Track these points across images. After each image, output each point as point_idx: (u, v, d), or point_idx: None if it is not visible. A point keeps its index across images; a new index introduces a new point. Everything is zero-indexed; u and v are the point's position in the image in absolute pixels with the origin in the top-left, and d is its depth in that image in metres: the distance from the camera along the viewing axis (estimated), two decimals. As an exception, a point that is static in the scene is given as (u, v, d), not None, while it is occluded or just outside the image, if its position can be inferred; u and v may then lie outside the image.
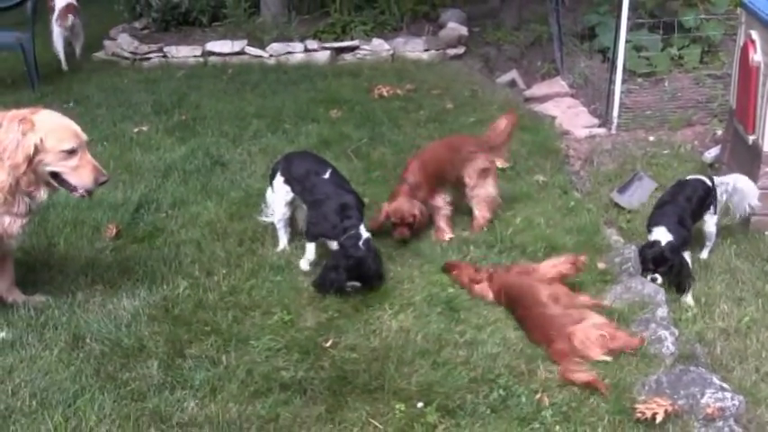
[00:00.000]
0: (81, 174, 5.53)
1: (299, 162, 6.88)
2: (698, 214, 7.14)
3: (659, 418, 4.85)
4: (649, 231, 6.90)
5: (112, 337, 5.56)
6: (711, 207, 7.19)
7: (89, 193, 5.67)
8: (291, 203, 6.85)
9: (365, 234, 6.31)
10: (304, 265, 6.57)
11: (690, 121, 10.38)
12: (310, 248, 6.58)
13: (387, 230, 7.04)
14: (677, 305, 6.49)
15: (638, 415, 4.90)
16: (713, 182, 7.27)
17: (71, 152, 5.45)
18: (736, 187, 7.33)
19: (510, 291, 6.07)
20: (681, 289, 6.60)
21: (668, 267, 6.60)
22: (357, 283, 6.17)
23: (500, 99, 10.95)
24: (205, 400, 5.03)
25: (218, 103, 10.69)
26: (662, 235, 6.73)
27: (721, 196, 7.28)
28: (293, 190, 6.75)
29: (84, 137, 5.56)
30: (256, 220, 7.17)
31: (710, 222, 7.23)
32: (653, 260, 6.64)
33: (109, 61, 13.36)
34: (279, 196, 6.83)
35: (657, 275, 6.60)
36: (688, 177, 7.40)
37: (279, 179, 6.82)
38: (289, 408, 4.98)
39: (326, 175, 6.62)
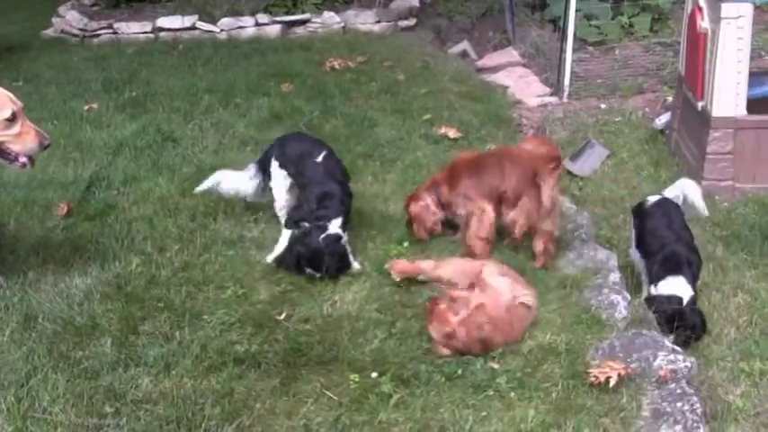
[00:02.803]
0: (25, 140, 5.39)
1: (293, 144, 6.72)
2: None
3: (613, 382, 4.88)
4: (658, 278, 6.10)
5: (65, 316, 5.50)
6: None
7: (32, 160, 5.52)
8: (292, 189, 6.64)
9: (333, 229, 6.11)
10: (271, 258, 6.33)
11: (640, 88, 10.46)
12: (285, 237, 6.35)
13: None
14: (629, 271, 6.55)
15: (592, 379, 4.92)
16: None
17: (12, 119, 5.33)
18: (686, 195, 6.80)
19: None
20: (686, 344, 5.76)
21: (690, 328, 5.82)
22: (314, 273, 6.05)
23: (452, 70, 10.98)
24: (159, 377, 5.00)
25: (170, 78, 10.60)
26: (681, 288, 5.98)
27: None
28: (289, 173, 6.60)
29: (19, 102, 5.43)
30: (209, 196, 7.12)
31: None
32: (669, 320, 5.79)
33: (58, 39, 13.21)
34: (277, 183, 6.66)
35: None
36: (659, 199, 6.67)
37: (274, 164, 6.65)
38: (243, 381, 4.97)
39: (319, 159, 6.46)
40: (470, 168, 6.45)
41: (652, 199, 6.70)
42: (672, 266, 6.08)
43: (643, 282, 6.44)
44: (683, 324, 5.75)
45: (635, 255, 6.60)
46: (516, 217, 6.31)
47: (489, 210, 6.30)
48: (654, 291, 6.10)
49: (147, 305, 5.69)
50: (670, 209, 6.55)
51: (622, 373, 4.94)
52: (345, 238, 6.20)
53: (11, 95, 5.40)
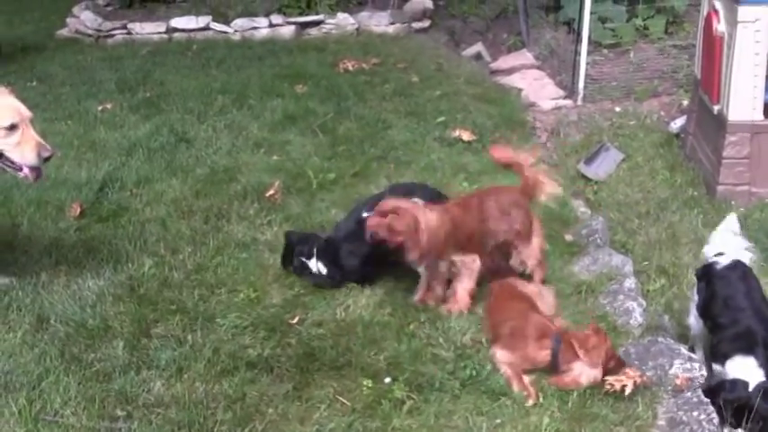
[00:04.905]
0: (23, 150, 5.34)
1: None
2: None
3: (628, 390, 4.85)
4: (725, 356, 5.24)
5: (77, 318, 5.49)
6: None
7: (35, 173, 5.47)
8: None
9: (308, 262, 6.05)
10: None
11: (655, 91, 10.41)
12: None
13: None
14: (645, 276, 6.50)
15: (608, 387, 4.89)
16: None
17: (11, 128, 5.29)
18: None
19: None
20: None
21: (762, 420, 4.94)
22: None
23: (466, 72, 10.94)
24: (171, 380, 4.98)
25: (183, 79, 10.58)
26: (749, 371, 5.09)
27: None
28: None
29: (28, 113, 5.40)
30: (222, 197, 7.12)
31: None
32: (737, 411, 4.94)
33: (72, 39, 13.18)
34: None
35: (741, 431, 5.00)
36: (734, 261, 5.71)
37: None
38: (256, 386, 4.96)
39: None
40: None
41: (723, 261, 5.75)
42: (743, 345, 5.20)
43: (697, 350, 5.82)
44: (752, 415, 4.91)
45: (694, 324, 5.86)
46: None
47: None
48: (719, 370, 5.28)
49: (160, 308, 5.68)
50: (747, 274, 5.66)
51: (638, 381, 4.90)
52: (318, 270, 6.04)
53: (20, 107, 5.38)
